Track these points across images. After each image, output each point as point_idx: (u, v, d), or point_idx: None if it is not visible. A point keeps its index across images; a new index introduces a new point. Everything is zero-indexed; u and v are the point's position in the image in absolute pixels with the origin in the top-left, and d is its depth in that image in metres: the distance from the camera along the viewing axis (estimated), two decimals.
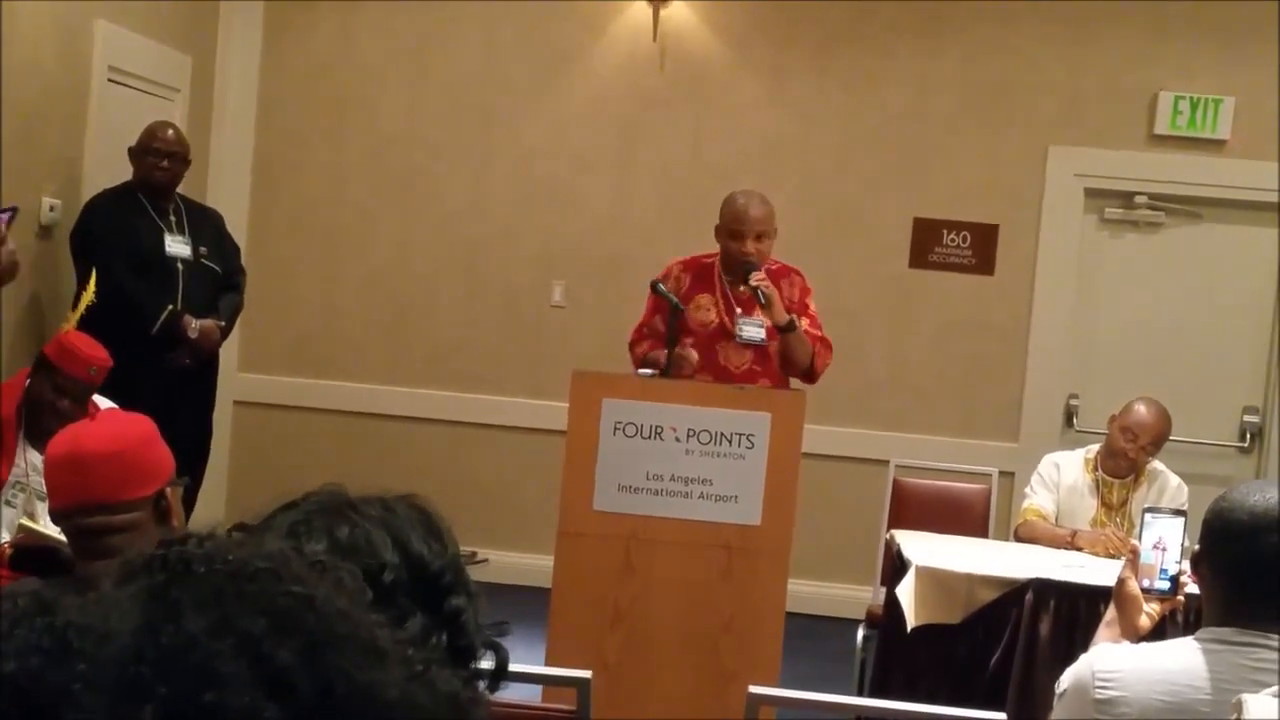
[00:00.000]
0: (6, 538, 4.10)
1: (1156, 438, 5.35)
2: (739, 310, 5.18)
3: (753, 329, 5.14)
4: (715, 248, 5.26)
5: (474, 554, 1.65)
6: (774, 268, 5.20)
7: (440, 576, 1.54)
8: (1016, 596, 4.70)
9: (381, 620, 0.90)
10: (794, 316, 5.10)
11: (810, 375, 5.26)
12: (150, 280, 5.78)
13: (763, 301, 4.99)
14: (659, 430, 4.62)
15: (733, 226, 5.12)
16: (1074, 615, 4.64)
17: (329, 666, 0.83)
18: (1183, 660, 2.48)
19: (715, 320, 5.17)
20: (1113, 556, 5.07)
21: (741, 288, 5.12)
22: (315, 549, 1.47)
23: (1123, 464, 5.39)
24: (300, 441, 7.40)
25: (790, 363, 5.20)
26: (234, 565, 0.87)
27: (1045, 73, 7.23)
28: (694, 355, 5.04)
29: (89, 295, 5.10)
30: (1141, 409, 5.37)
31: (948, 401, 7.31)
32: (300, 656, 0.83)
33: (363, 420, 7.43)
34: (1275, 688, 2.17)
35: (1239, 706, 2.15)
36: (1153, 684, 2.47)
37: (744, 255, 5.07)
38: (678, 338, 4.98)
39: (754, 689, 3.13)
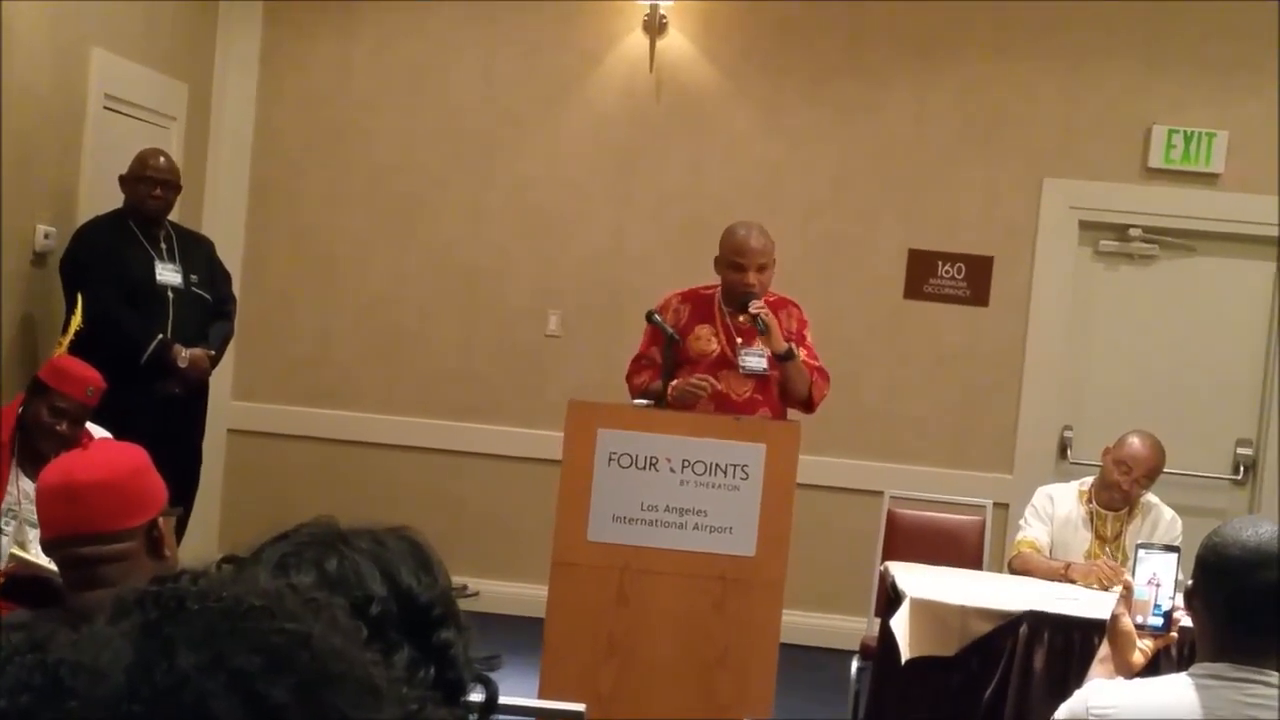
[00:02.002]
0: None
1: (1150, 470, 5.35)
2: (739, 340, 5.20)
3: (755, 359, 5.16)
4: (714, 279, 5.27)
5: (464, 587, 1.64)
6: (771, 299, 5.21)
7: (430, 609, 1.53)
8: (1011, 629, 4.69)
9: (377, 658, 0.90)
10: (792, 345, 5.12)
11: (808, 405, 5.30)
12: (140, 309, 5.76)
13: (762, 329, 5.01)
14: (654, 461, 4.61)
15: (734, 258, 5.13)
16: (1068, 647, 4.64)
17: (324, 705, 0.83)
18: (1177, 696, 2.47)
19: (717, 350, 5.18)
20: (1106, 588, 5.07)
21: (741, 317, 5.14)
22: (304, 581, 1.47)
23: (1117, 496, 5.38)
24: (294, 470, 7.39)
25: (788, 392, 5.23)
26: (228, 602, 0.86)
27: (1040, 106, 7.25)
28: (707, 385, 5.03)
29: (77, 321, 5.09)
30: (1135, 442, 5.37)
31: (942, 433, 7.31)
32: (294, 695, 0.82)
33: (357, 449, 7.42)
34: None
35: None
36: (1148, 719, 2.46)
37: (746, 287, 5.09)
38: (674, 369, 4.99)
39: None
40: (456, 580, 1.64)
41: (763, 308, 5.03)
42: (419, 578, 1.55)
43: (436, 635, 1.51)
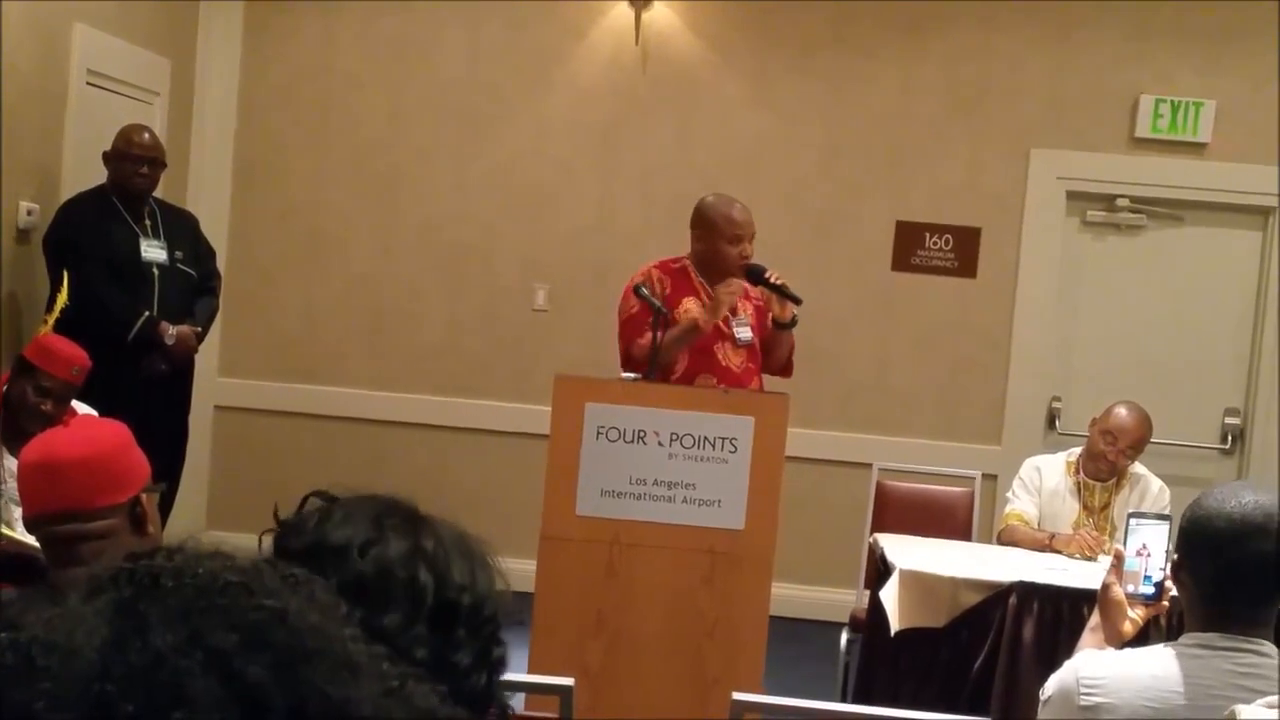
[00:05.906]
0: None
1: (1136, 440, 5.35)
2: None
3: (745, 329, 5.19)
4: (681, 252, 5.29)
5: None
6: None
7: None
8: (1000, 600, 4.70)
9: (356, 634, 0.88)
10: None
11: (788, 368, 5.37)
12: (126, 286, 5.73)
13: (797, 298, 5.08)
14: (642, 434, 4.60)
15: (732, 231, 5.15)
16: (1057, 618, 4.64)
17: (301, 683, 0.81)
18: (1167, 666, 2.46)
19: None
20: (1089, 557, 5.08)
21: (758, 286, 5.16)
22: (399, 547, 1.50)
23: (1103, 467, 5.38)
24: (281, 447, 7.36)
25: (775, 356, 5.28)
26: (203, 579, 0.84)
27: (1027, 76, 7.23)
28: (733, 288, 5.07)
29: (63, 298, 5.06)
30: (1122, 412, 5.37)
31: (930, 404, 7.31)
32: (272, 673, 0.80)
33: (344, 425, 7.40)
34: (1269, 698, 2.15)
35: (1232, 717, 2.13)
36: (1138, 690, 2.45)
37: (745, 258, 5.12)
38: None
39: (738, 695, 3.11)
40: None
41: (779, 276, 5.07)
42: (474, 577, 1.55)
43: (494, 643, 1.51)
